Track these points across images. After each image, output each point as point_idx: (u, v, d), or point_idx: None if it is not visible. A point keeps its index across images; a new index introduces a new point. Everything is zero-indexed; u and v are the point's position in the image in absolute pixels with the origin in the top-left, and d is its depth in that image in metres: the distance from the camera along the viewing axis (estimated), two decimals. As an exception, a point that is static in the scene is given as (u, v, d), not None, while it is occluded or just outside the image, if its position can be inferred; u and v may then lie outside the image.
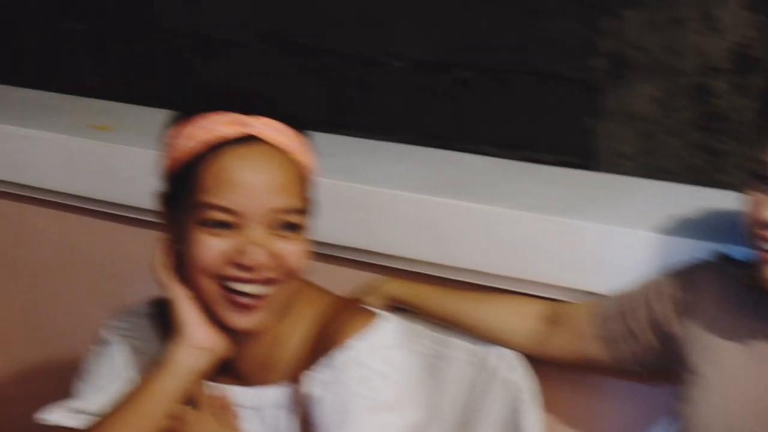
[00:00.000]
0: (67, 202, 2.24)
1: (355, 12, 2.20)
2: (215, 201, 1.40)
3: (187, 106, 1.49)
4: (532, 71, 2.05)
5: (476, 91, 2.11)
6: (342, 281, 1.74)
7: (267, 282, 1.42)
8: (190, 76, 2.42)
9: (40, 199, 2.27)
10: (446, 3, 2.10)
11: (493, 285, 1.78)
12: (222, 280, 1.42)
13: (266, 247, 1.40)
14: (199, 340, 1.46)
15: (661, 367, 1.58)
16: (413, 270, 1.84)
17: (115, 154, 2.13)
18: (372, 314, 1.51)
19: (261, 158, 1.42)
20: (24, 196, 2.29)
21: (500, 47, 2.07)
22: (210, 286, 1.43)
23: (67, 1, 2.56)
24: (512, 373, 1.68)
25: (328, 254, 1.85)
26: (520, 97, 2.07)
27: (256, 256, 1.40)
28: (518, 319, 1.69)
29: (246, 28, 2.33)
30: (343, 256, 1.91)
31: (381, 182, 1.89)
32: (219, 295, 1.43)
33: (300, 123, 1.49)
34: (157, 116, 1.91)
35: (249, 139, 1.42)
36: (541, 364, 1.69)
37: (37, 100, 2.48)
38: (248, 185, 1.40)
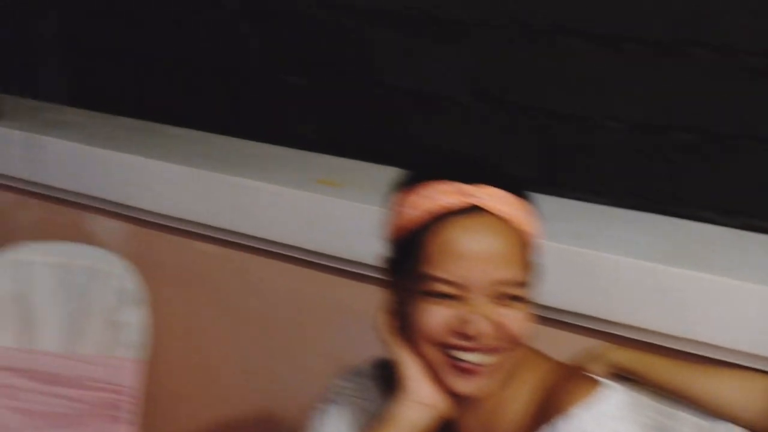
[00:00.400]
0: (294, 255, 2.29)
1: (573, 71, 2.18)
2: (439, 274, 1.41)
3: (412, 172, 1.51)
4: (756, 136, 2.00)
5: (697, 154, 2.07)
6: (565, 347, 1.72)
7: (490, 351, 1.42)
8: (406, 132, 2.44)
9: (269, 251, 2.33)
10: (666, 65, 2.07)
11: (721, 358, 1.73)
12: (445, 348, 1.43)
13: (489, 317, 1.41)
14: (422, 396, 1.47)
15: None
16: (638, 338, 1.81)
17: (344, 209, 2.17)
18: (596, 382, 1.48)
19: (484, 230, 1.42)
20: (253, 247, 2.36)
21: (723, 110, 2.03)
22: (433, 353, 1.44)
23: (289, 55, 2.62)
24: (741, 451, 1.63)
25: (552, 318, 1.84)
26: (743, 162, 2.02)
27: (479, 327, 1.40)
28: (750, 395, 1.62)
29: (461, 85, 2.35)
30: (567, 321, 1.89)
31: (608, 248, 1.87)
32: (442, 362, 1.44)
33: (523, 189, 1.49)
34: (381, 173, 1.95)
35: (473, 210, 1.43)
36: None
37: (262, 152, 2.54)
38: (472, 258, 1.40)
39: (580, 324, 1.89)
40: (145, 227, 2.52)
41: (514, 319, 1.42)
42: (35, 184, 2.64)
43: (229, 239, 2.39)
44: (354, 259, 2.15)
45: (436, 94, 2.39)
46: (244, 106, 2.72)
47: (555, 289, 1.72)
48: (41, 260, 2.46)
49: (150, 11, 2.82)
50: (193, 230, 2.44)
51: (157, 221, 2.49)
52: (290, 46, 2.60)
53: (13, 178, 2.68)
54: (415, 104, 2.42)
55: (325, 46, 2.53)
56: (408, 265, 1.45)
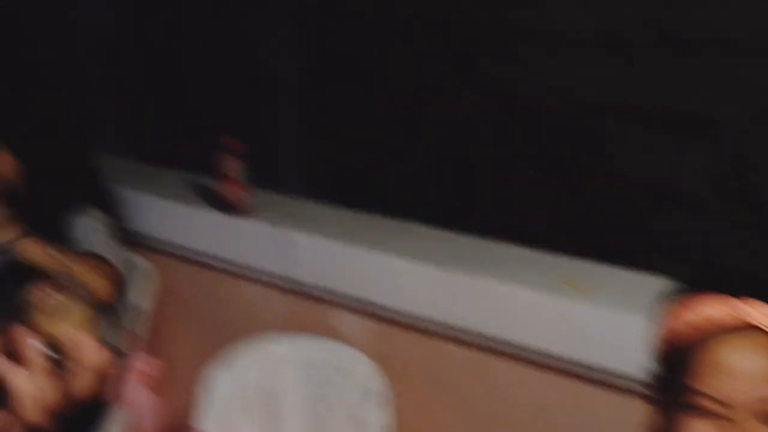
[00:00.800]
0: (539, 359, 2.26)
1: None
2: (706, 390, 1.37)
3: (680, 284, 1.47)
4: None
5: None
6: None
7: None
8: (646, 230, 2.39)
9: (513, 354, 2.31)
10: None
11: None
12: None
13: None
14: None
15: None
16: None
17: (592, 315, 2.13)
18: None
19: (756, 348, 1.37)
20: (497, 349, 2.34)
21: None
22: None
23: (523, 146, 2.61)
24: None
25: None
26: None
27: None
28: None
29: (703, 181, 2.28)
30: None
31: None
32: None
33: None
34: (625, 277, 1.90)
35: (744, 327, 1.38)
36: None
37: (505, 252, 2.52)
38: (742, 377, 1.36)
39: None
40: (389, 325, 2.54)
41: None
42: (283, 278, 2.71)
43: (473, 340, 2.37)
44: (603, 366, 2.10)
45: (677, 190, 2.34)
46: (485, 204, 2.72)
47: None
48: (288, 354, 2.52)
49: (392, 106, 2.87)
50: (437, 330, 2.44)
51: (401, 320, 2.50)
52: (529, 142, 2.60)
53: (262, 272, 2.76)
54: (655, 201, 2.37)
55: (564, 140, 2.52)
56: (672, 379, 1.41)
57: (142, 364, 2.96)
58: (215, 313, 2.92)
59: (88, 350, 0.90)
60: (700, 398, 1.37)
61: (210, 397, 2.49)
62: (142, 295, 2.94)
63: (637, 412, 1.48)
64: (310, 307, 2.68)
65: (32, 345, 0.88)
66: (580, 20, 2.45)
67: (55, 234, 2.58)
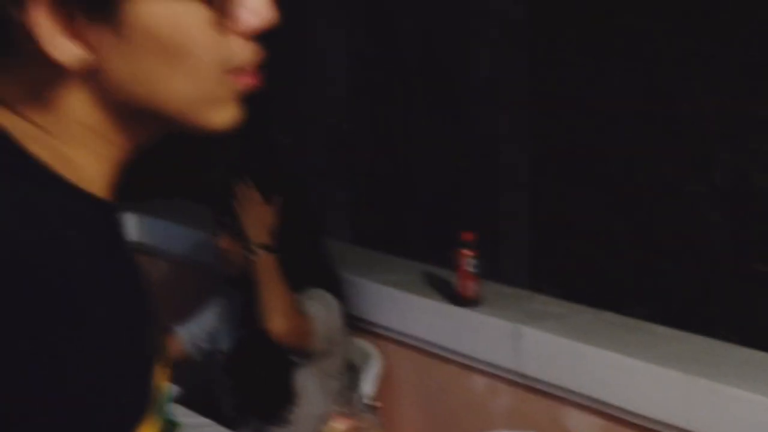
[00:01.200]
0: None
1: None
2: None
3: None
4: None
5: None
6: None
7: None
8: None
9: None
10: None
11: None
12: None
13: None
14: None
15: None
16: None
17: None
18: None
19: None
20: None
21: None
22: None
23: (759, 242, 2.53)
24: None
25: None
26: None
27: None
28: None
29: None
30: None
31: None
32: None
33: None
34: None
35: None
36: None
37: (744, 357, 2.44)
38: None
39: None
40: (619, 425, 2.48)
41: None
42: (511, 371, 2.70)
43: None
44: None
45: None
46: (719, 303, 2.64)
47: None
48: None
49: (622, 199, 2.84)
50: (669, 434, 2.37)
51: (631, 420, 2.44)
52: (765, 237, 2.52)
53: (490, 364, 2.75)
54: None
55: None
56: None
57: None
58: (441, 403, 2.94)
59: None
60: None
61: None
62: (368, 381, 2.99)
63: None
64: (538, 402, 2.65)
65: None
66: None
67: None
